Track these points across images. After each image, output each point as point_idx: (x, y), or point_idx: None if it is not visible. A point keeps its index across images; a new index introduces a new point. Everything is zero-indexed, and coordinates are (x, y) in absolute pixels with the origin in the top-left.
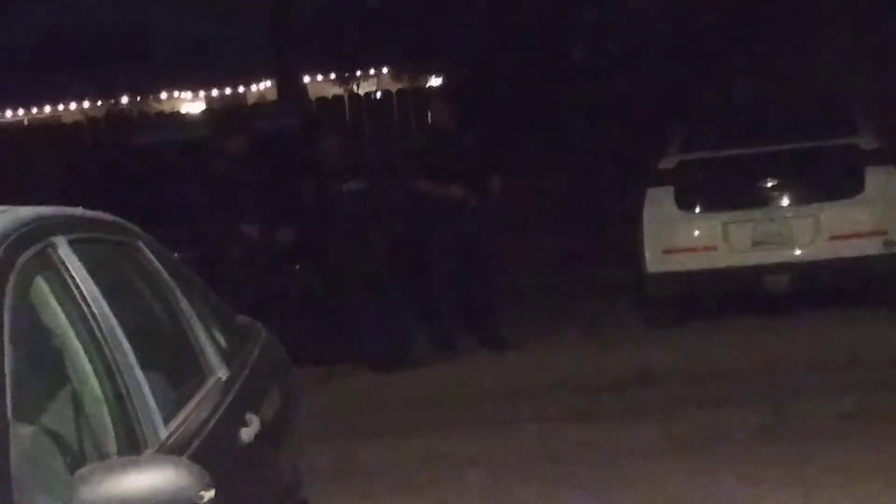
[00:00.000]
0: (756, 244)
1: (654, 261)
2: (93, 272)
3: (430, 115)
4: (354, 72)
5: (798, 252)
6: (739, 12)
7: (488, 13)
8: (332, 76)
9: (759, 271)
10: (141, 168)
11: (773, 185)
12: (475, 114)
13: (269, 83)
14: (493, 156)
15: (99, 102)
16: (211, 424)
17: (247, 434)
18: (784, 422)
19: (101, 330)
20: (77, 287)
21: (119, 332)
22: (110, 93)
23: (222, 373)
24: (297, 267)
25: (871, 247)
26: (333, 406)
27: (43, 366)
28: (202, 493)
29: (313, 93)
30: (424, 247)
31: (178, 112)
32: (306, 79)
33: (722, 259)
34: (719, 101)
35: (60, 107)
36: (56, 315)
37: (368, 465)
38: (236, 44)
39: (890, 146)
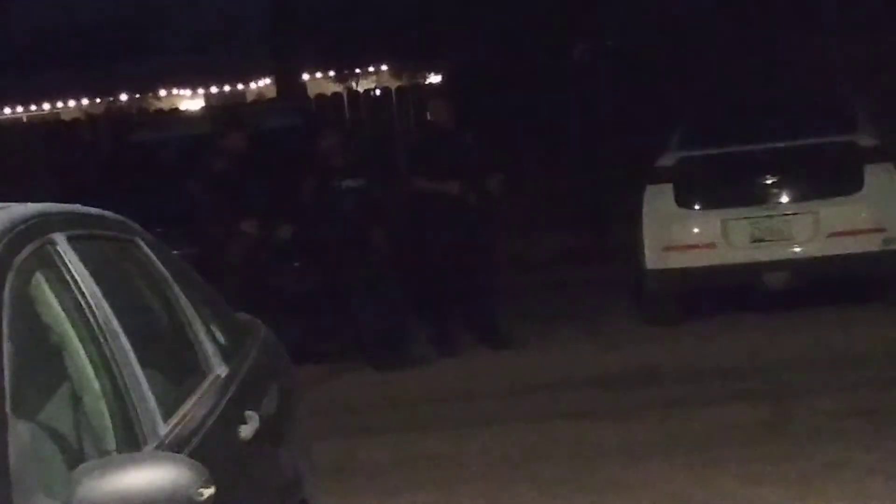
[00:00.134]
0: (755, 241)
1: (654, 258)
2: (92, 269)
3: (429, 113)
4: (354, 69)
5: (797, 249)
6: (739, 10)
7: (488, 11)
8: (332, 73)
9: (758, 268)
10: (140, 165)
11: (772, 183)
12: (474, 112)
13: (268, 80)
14: (493, 154)
15: (98, 100)
16: (210, 422)
17: (246, 431)
18: (784, 419)
19: (100, 327)
20: (76, 284)
21: (118, 329)
22: (109, 90)
23: (221, 370)
24: (297, 264)
25: (870, 244)
26: (333, 404)
27: (42, 363)
28: (201, 490)
29: (312, 90)
30: (423, 244)
31: (178, 109)
32: (305, 76)
33: (721, 256)
34: (718, 99)
35: (59, 104)
36: (55, 312)
37: (368, 463)
38: (235, 41)
39: (889, 144)
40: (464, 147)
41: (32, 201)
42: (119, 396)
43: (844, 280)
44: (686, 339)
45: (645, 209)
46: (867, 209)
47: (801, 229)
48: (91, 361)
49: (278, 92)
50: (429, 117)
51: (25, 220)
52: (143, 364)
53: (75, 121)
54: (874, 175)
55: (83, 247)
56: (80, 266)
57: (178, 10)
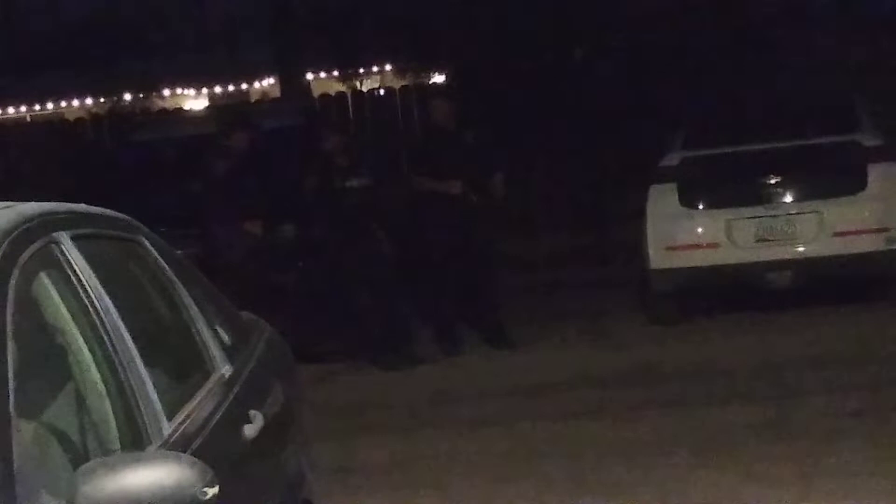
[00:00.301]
0: (759, 241)
1: (658, 258)
2: (96, 268)
3: (430, 112)
4: (357, 69)
5: (801, 248)
6: (743, 10)
7: (491, 11)
8: (335, 73)
9: (762, 268)
10: (143, 165)
11: (776, 182)
12: (477, 112)
13: (271, 80)
14: (494, 154)
15: (102, 99)
16: (214, 421)
17: (250, 431)
18: (788, 419)
19: (104, 326)
20: (80, 283)
21: (122, 328)
22: (113, 90)
23: (226, 369)
24: (300, 264)
25: (875, 243)
26: (335, 403)
27: (46, 362)
28: (205, 489)
29: (316, 90)
30: (425, 244)
31: (181, 109)
32: (309, 76)
33: (725, 256)
34: (722, 98)
35: (63, 104)
36: (59, 311)
37: (371, 462)
38: (239, 41)
39: (893, 143)
40: (465, 147)
41: (36, 200)
42: (123, 395)
43: (848, 280)
44: (689, 338)
45: (648, 209)
46: (871, 209)
47: (804, 229)
48: (95, 360)
49: (282, 92)
50: (430, 117)
51: (30, 220)
52: (148, 363)
53: (79, 120)
54: (878, 174)
55: (87, 246)
56: (85, 265)
57: (181, 10)
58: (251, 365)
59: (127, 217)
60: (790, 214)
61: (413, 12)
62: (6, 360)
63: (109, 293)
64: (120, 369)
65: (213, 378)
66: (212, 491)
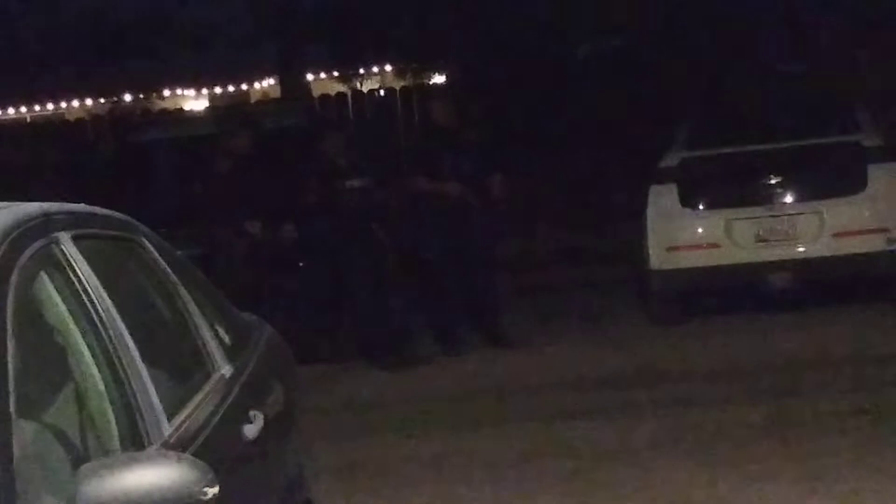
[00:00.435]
0: (759, 241)
1: (658, 258)
2: (96, 268)
3: (430, 113)
4: (358, 69)
5: (801, 249)
6: (742, 10)
7: (492, 11)
8: (336, 74)
9: (762, 268)
10: (144, 165)
11: (776, 183)
12: (477, 112)
13: (272, 81)
14: (494, 154)
15: (102, 100)
16: (214, 421)
17: (250, 431)
18: (788, 419)
19: (104, 326)
20: (80, 283)
21: (122, 328)
22: (113, 90)
23: (226, 369)
24: (300, 264)
25: (875, 244)
26: (336, 403)
27: (46, 362)
28: (206, 489)
29: (316, 90)
30: (425, 244)
31: (182, 110)
32: (309, 76)
33: (725, 256)
34: (722, 98)
35: (64, 104)
36: (59, 311)
37: (371, 462)
38: (240, 41)
39: (893, 143)
40: (464, 148)
41: (37, 201)
42: (123, 395)
43: (848, 280)
44: (689, 339)
45: (649, 209)
46: (871, 209)
47: (805, 229)
48: (95, 360)
49: (282, 92)
50: (430, 118)
51: (30, 220)
52: (148, 363)
53: (79, 121)
54: (878, 175)
55: (88, 246)
56: (85, 265)
57: (182, 11)
58: (251, 365)
59: (127, 217)
60: (790, 215)
61: (413, 13)
62: (6, 360)
63: (110, 293)
64: (120, 369)
65: (214, 378)
66: (212, 491)
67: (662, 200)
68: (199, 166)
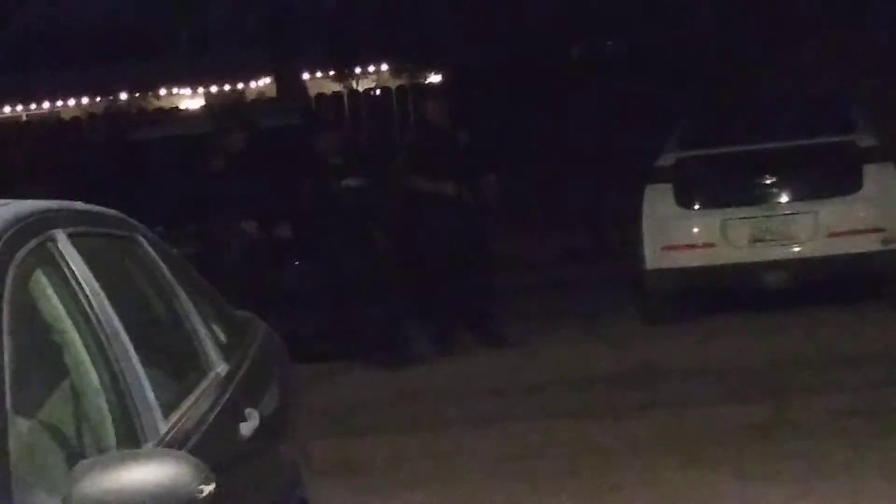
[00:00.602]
0: (755, 241)
1: (653, 258)
2: (92, 266)
3: (425, 113)
4: (354, 69)
5: (796, 249)
6: (738, 10)
7: (488, 11)
8: (332, 73)
9: (757, 268)
10: (140, 164)
11: (771, 182)
12: (472, 111)
13: (268, 80)
14: (489, 153)
15: (98, 99)
16: (210, 419)
17: (246, 429)
18: (784, 419)
19: (100, 324)
20: (76, 281)
21: (118, 326)
22: (109, 89)
23: (221, 368)
24: (296, 263)
25: (870, 243)
26: (332, 402)
27: (42, 360)
28: (202, 487)
29: (312, 89)
30: (421, 243)
31: (178, 109)
32: (305, 75)
33: (721, 256)
34: (718, 98)
35: (59, 103)
36: (55, 309)
37: (367, 461)
38: (236, 40)
39: (888, 144)
40: (460, 147)
41: (33, 199)
42: (119, 393)
43: (844, 280)
44: (685, 338)
45: (645, 209)
46: (866, 209)
47: (800, 229)
48: (91, 358)
49: (278, 91)
50: (425, 116)
51: (26, 218)
52: (144, 361)
53: (75, 119)
54: (873, 175)
55: (84, 244)
56: (81, 263)
57: (177, 9)
58: (247, 363)
59: (123, 215)
60: (786, 215)
61: (409, 12)
62: (2, 358)
63: (106, 291)
64: (116, 367)
65: (209, 376)
66: (208, 489)
67: (658, 200)
68: (195, 165)
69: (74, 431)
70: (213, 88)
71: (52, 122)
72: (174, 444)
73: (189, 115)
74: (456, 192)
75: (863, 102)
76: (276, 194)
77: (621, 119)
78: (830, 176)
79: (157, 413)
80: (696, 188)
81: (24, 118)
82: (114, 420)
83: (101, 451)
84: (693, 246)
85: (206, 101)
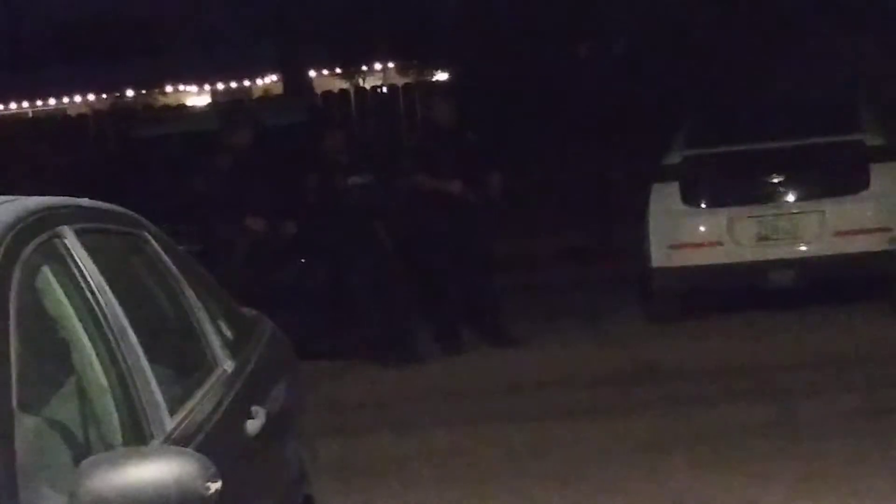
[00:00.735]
0: (761, 240)
1: (659, 256)
2: (99, 263)
3: (430, 111)
4: (360, 66)
5: (803, 248)
6: (746, 8)
7: (494, 9)
8: (338, 70)
9: (764, 267)
10: (145, 161)
11: (778, 181)
12: (478, 110)
13: (274, 77)
14: (493, 152)
15: (104, 95)
16: (217, 416)
17: (252, 427)
18: (788, 418)
19: (106, 320)
20: (83, 277)
21: (125, 323)
22: (115, 86)
23: (228, 365)
24: (302, 260)
25: (876, 243)
26: (336, 400)
27: (48, 356)
28: (208, 484)
29: (319, 87)
30: (426, 242)
31: (184, 105)
32: (312, 73)
33: (727, 254)
34: (725, 97)
35: (66, 100)
36: (62, 305)
37: (372, 459)
38: (242, 38)
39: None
40: (465, 146)
41: (40, 195)
42: (126, 390)
43: (850, 279)
44: (690, 337)
45: (651, 207)
46: (874, 208)
47: (807, 228)
48: (98, 355)
49: (285, 89)
50: (430, 115)
51: (33, 214)
52: (150, 358)
53: (81, 116)
54: (881, 174)
55: (91, 240)
56: (88, 260)
57: (184, 7)
58: (253, 361)
59: (130, 212)
60: (792, 213)
61: (416, 11)
62: (9, 354)
63: (112, 288)
64: (122, 364)
65: (216, 373)
66: (214, 486)
67: (664, 198)
68: (201, 162)
69: (81, 428)
70: (220, 86)
71: (59, 119)
72: (181, 441)
73: (195, 112)
74: (461, 191)
75: (870, 101)
76: (282, 192)
77: (627, 117)
78: (838, 175)
79: (164, 410)
80: (702, 186)
81: (31, 114)
82: (120, 417)
83: (108, 448)
84: (699, 244)
85: (212, 98)
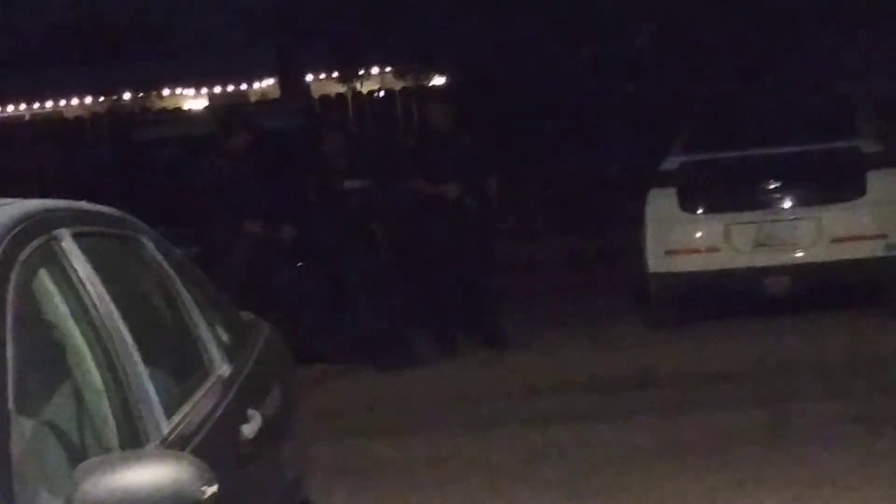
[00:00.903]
0: (758, 246)
1: (657, 261)
2: (96, 266)
3: (427, 115)
4: (357, 71)
5: (800, 254)
6: (742, 13)
7: (492, 14)
8: (335, 74)
9: (760, 273)
10: (143, 164)
11: (775, 187)
12: (475, 114)
13: (271, 81)
14: (490, 156)
15: (101, 98)
16: (213, 420)
17: (249, 430)
18: (785, 424)
19: (103, 324)
20: (80, 280)
21: (122, 326)
22: (113, 88)
23: (225, 369)
24: (299, 264)
25: (873, 249)
26: (333, 404)
27: (45, 359)
28: (204, 488)
29: (316, 91)
30: (423, 246)
31: (181, 108)
32: (309, 77)
33: (724, 260)
34: (722, 103)
35: (63, 102)
36: (59, 308)
37: (369, 463)
38: (239, 41)
39: (892, 149)
40: (462, 150)
41: (37, 198)
42: (122, 393)
43: (847, 285)
44: (688, 342)
45: (648, 213)
46: (870, 215)
47: (803, 234)
48: (94, 358)
49: (282, 92)
50: (427, 119)
51: (30, 217)
52: (147, 361)
53: (78, 119)
54: (877, 181)
55: (88, 243)
56: (85, 263)
57: (182, 9)
58: (250, 364)
59: (127, 215)
60: (789, 220)
61: (413, 14)
62: (5, 358)
63: (109, 291)
64: (119, 367)
65: (212, 377)
66: (210, 490)
67: (662, 204)
68: (199, 165)
69: (77, 431)
70: (217, 89)
71: (56, 122)
72: (176, 444)
73: (193, 116)
74: (458, 195)
75: (867, 107)
76: (280, 195)
77: (625, 122)
78: (834, 181)
79: (160, 413)
80: (700, 192)
81: (28, 117)
82: (116, 420)
83: (104, 451)
84: (696, 250)
85: (209, 101)
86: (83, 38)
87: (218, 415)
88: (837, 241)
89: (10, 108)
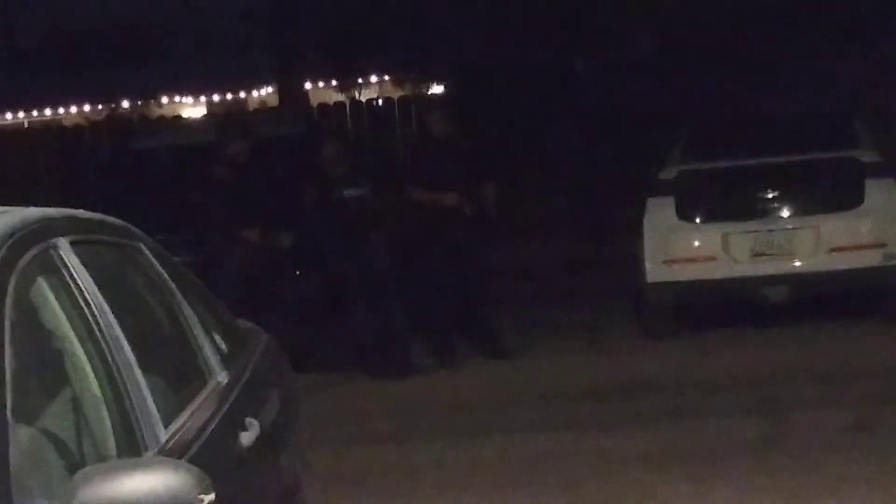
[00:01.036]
0: (756, 255)
1: (654, 270)
2: (94, 274)
3: (425, 123)
4: (356, 79)
5: (798, 263)
6: (741, 23)
7: (490, 23)
8: (334, 83)
9: (758, 282)
10: (141, 172)
11: (773, 197)
12: (472, 122)
13: (270, 89)
14: (488, 164)
15: (100, 106)
16: (211, 428)
17: (246, 438)
18: (782, 434)
19: (101, 332)
20: (78, 289)
21: (120, 334)
22: (111, 97)
23: (222, 377)
24: (298, 272)
25: (871, 259)
26: (331, 412)
27: (43, 367)
28: (202, 496)
29: (315, 99)
30: (421, 254)
31: (179, 117)
32: (308, 85)
33: (721, 269)
34: (720, 112)
35: (61, 110)
36: (57, 316)
37: (366, 471)
38: (238, 49)
39: (890, 159)
40: (460, 157)
41: (35, 206)
42: (120, 401)
43: (845, 295)
44: (685, 352)
45: (646, 222)
46: (868, 224)
47: (801, 244)
48: (92, 366)
49: (280, 101)
50: (426, 127)
51: (28, 225)
52: (145, 369)
53: (77, 127)
54: (875, 190)
55: (86, 252)
56: (83, 271)
57: (180, 17)
58: (248, 372)
59: (125, 223)
60: (787, 229)
61: (412, 22)
62: (3, 366)
63: (107, 299)
64: (117, 375)
65: (210, 385)
66: (208, 498)
67: (659, 213)
68: (197, 173)
69: (75, 439)
70: (216, 97)
71: (54, 129)
72: (174, 452)
73: (191, 124)
74: (456, 203)
75: (865, 117)
76: (278, 203)
77: (623, 131)
78: (832, 191)
79: (158, 422)
80: (697, 201)
81: (26, 125)
82: (114, 428)
83: (102, 459)
84: (694, 259)
85: (207, 109)
86: (81, 46)
87: (216, 423)
88: (835, 250)
89: (9, 115)
